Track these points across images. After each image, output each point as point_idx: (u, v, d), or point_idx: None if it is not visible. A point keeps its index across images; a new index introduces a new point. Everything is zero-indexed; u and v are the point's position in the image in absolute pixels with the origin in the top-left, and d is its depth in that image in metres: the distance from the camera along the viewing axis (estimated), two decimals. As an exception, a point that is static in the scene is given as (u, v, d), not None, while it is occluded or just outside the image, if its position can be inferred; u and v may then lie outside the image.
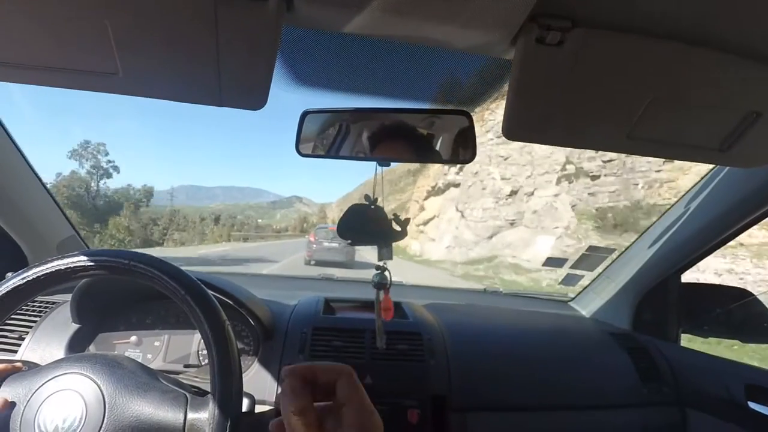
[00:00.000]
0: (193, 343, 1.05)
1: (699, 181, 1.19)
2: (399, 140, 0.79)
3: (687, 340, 1.35)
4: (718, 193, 1.13)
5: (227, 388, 0.61)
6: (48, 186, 1.28)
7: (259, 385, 0.96)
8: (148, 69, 0.60)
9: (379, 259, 0.87)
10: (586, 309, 1.55)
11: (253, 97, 0.63)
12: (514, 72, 0.59)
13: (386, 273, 0.87)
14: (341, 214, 0.85)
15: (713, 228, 1.16)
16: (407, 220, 0.82)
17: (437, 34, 0.58)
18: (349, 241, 0.83)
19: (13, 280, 0.61)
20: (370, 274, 0.90)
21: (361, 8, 0.52)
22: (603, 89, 0.63)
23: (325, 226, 15.11)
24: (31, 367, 0.70)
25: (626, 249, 1.42)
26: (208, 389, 0.64)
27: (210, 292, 0.65)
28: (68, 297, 1.04)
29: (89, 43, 0.57)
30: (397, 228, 0.82)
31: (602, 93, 0.63)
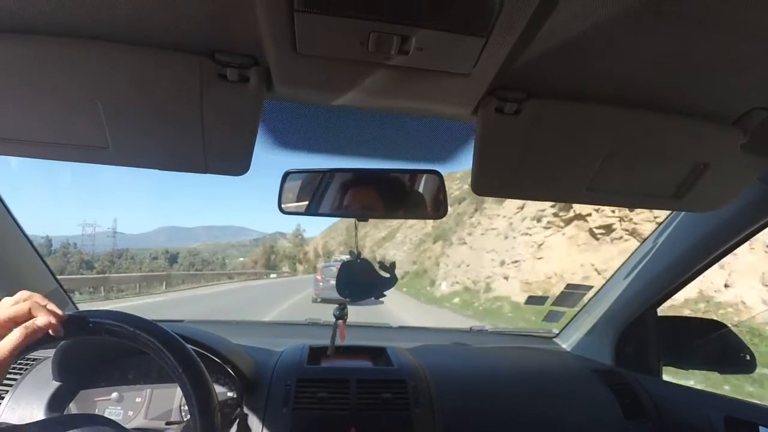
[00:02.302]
0: (175, 398, 1.04)
1: (667, 217, 1.25)
2: (375, 197, 0.83)
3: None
4: (684, 231, 1.19)
5: None
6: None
7: None
8: (137, 142, 0.64)
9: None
10: (570, 345, 1.57)
11: (237, 165, 0.67)
12: (478, 137, 0.65)
13: (345, 309, 1.04)
14: (327, 251, 0.91)
15: (683, 263, 1.21)
16: (393, 265, 0.87)
17: (406, 106, 0.64)
18: (349, 299, 0.90)
19: None
20: (367, 313, 0.96)
21: (335, 89, 0.58)
22: (560, 150, 0.69)
23: (331, 265, 15.45)
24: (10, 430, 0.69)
25: (603, 286, 1.47)
26: None
27: (192, 347, 0.67)
28: (48, 353, 1.03)
29: (81, 119, 0.61)
30: (386, 275, 0.86)
31: (560, 153, 0.69)
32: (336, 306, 1.04)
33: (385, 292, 0.95)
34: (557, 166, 0.71)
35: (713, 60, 0.57)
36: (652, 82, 0.62)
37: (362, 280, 0.91)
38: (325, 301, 12.85)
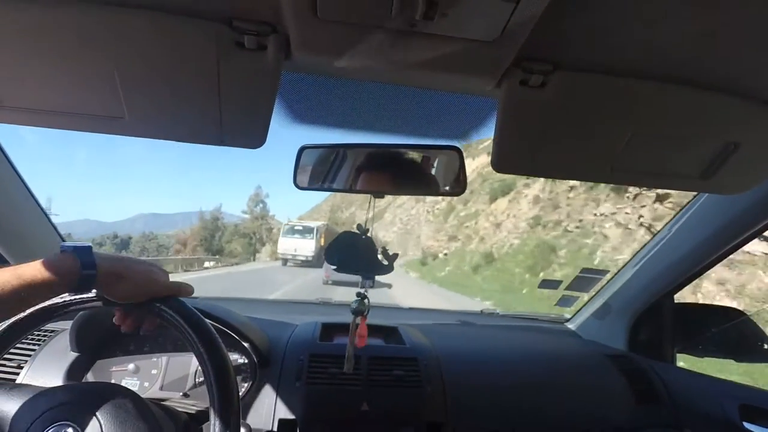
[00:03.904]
0: (190, 368, 1.06)
1: (687, 203, 1.22)
2: (393, 173, 0.82)
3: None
4: (705, 216, 1.16)
5: (226, 424, 0.62)
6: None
7: (255, 414, 0.97)
8: (153, 113, 0.63)
9: (361, 287, 0.92)
10: (583, 330, 1.56)
11: (253, 137, 0.66)
12: (500, 111, 0.63)
13: (365, 300, 0.91)
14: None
15: (703, 249, 1.19)
16: (395, 255, 0.85)
17: (426, 78, 0.62)
18: (335, 267, 0.86)
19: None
20: (379, 296, 0.93)
21: (355, 57, 0.56)
22: (585, 126, 0.66)
23: None
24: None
25: (619, 271, 1.44)
26: (204, 415, 0.64)
27: (209, 322, 0.67)
28: (66, 325, 1.05)
29: (97, 88, 0.60)
30: (384, 261, 0.84)
31: (585, 129, 0.67)
32: (354, 299, 0.91)
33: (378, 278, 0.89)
34: (582, 143, 0.68)
35: (750, 35, 0.54)
36: (685, 56, 0.59)
37: (358, 255, 0.88)
38: (336, 283, 13.13)
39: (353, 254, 0.85)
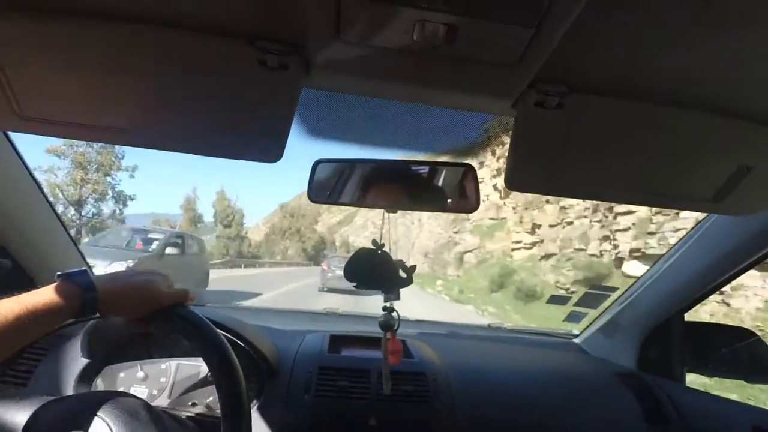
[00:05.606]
0: (199, 373, 1.06)
1: (699, 221, 1.21)
2: (405, 189, 0.83)
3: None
4: (716, 236, 1.16)
5: None
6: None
7: (263, 425, 0.96)
8: (174, 127, 0.65)
9: (386, 300, 0.89)
10: (591, 347, 1.54)
11: (271, 152, 0.67)
12: (515, 131, 0.63)
13: (394, 314, 0.87)
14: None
15: (715, 269, 1.18)
16: (413, 268, 0.85)
17: (443, 97, 0.63)
18: (355, 284, 0.86)
19: None
20: (376, 305, 0.92)
21: (373, 75, 0.57)
22: (600, 147, 0.67)
23: (338, 256, 16.16)
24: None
25: (629, 288, 1.44)
26: (212, 425, 0.64)
27: (221, 332, 0.67)
28: (75, 330, 1.06)
29: (120, 103, 0.61)
30: (403, 275, 0.84)
31: (599, 151, 0.67)
32: (382, 313, 0.87)
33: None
34: (596, 163, 0.69)
35: (763, 62, 0.54)
36: (701, 80, 0.59)
37: (375, 271, 0.86)
38: (331, 290, 13.49)
39: (371, 270, 0.85)
